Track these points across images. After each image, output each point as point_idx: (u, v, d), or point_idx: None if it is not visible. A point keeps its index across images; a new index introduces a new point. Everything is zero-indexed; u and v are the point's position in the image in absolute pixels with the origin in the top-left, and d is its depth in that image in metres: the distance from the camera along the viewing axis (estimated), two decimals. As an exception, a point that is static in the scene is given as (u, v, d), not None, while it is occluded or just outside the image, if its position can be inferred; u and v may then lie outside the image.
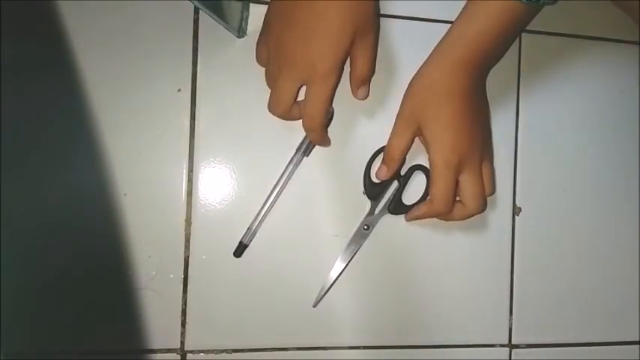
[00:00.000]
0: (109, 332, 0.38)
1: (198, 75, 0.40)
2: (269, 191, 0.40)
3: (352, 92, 0.40)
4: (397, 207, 0.42)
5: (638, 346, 0.46)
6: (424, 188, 0.42)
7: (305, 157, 0.41)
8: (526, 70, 0.44)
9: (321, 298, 0.41)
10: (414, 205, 0.42)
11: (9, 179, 0.37)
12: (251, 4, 0.40)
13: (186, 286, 0.39)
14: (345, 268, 0.41)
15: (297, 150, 0.40)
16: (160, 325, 0.39)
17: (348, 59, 0.37)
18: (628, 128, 0.47)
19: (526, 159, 0.45)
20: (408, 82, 0.39)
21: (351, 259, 0.41)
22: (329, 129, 0.41)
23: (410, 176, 0.42)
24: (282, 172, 0.40)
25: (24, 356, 0.38)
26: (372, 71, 0.39)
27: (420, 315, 0.43)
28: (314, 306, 0.41)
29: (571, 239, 0.45)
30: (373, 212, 0.42)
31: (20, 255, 0.37)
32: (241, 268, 0.40)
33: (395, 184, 0.42)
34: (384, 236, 0.42)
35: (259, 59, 0.40)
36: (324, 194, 0.41)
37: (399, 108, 0.40)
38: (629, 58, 0.47)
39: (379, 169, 0.41)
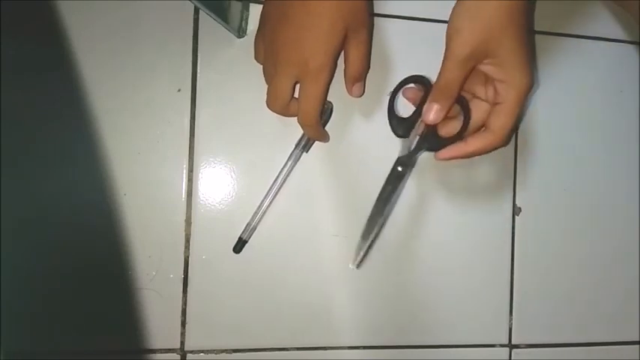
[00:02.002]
0: (109, 332, 0.38)
1: (198, 75, 0.40)
2: (268, 188, 0.40)
3: (347, 89, 0.40)
4: (434, 142, 0.37)
5: (638, 346, 0.46)
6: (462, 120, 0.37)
7: (304, 153, 0.41)
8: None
9: (364, 257, 0.40)
10: (451, 138, 0.37)
11: (9, 179, 0.37)
12: (251, 4, 0.40)
13: (186, 286, 0.39)
14: (386, 219, 0.40)
15: (297, 146, 0.40)
16: (160, 325, 0.39)
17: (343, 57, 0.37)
18: (628, 128, 0.47)
19: (526, 159, 0.45)
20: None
21: (387, 206, 0.38)
22: (328, 125, 0.41)
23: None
24: (281, 168, 0.40)
25: (24, 356, 0.38)
26: (366, 68, 0.39)
27: (420, 315, 0.43)
28: (357, 267, 0.40)
29: (571, 239, 0.45)
30: (407, 150, 0.38)
31: (20, 255, 0.37)
32: (241, 268, 0.40)
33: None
34: (384, 237, 0.42)
35: (257, 56, 0.40)
36: (323, 190, 0.41)
37: (454, 39, 0.34)
38: (629, 58, 0.47)
39: (428, 109, 0.36)
